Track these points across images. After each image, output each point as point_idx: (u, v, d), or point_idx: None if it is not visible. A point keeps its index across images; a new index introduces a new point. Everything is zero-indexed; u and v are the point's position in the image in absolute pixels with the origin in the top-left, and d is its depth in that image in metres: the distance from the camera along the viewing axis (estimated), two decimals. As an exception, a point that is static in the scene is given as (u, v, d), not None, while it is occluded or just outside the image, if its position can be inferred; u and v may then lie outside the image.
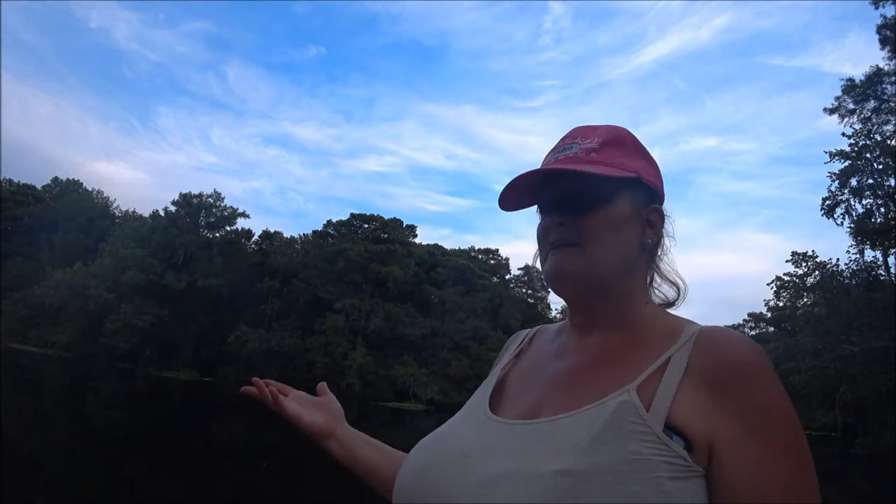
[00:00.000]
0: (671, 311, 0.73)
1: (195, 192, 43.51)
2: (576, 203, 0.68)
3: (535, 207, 0.76)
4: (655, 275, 0.74)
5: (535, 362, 0.75)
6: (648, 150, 0.74)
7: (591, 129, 0.73)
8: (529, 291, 52.17)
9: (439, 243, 54.10)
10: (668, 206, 0.74)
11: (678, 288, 0.74)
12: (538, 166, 0.73)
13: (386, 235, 45.60)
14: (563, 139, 0.73)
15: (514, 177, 0.69)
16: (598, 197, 0.67)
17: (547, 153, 0.74)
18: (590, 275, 0.67)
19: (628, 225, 0.68)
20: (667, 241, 0.74)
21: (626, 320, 0.68)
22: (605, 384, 0.60)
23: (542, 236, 0.71)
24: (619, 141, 0.71)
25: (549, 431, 0.58)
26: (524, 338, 0.84)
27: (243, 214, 45.04)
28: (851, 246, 24.73)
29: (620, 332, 0.68)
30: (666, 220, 0.73)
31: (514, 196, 0.73)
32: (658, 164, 0.75)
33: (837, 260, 27.67)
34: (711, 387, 0.56)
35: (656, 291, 0.74)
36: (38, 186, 54.53)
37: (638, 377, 0.59)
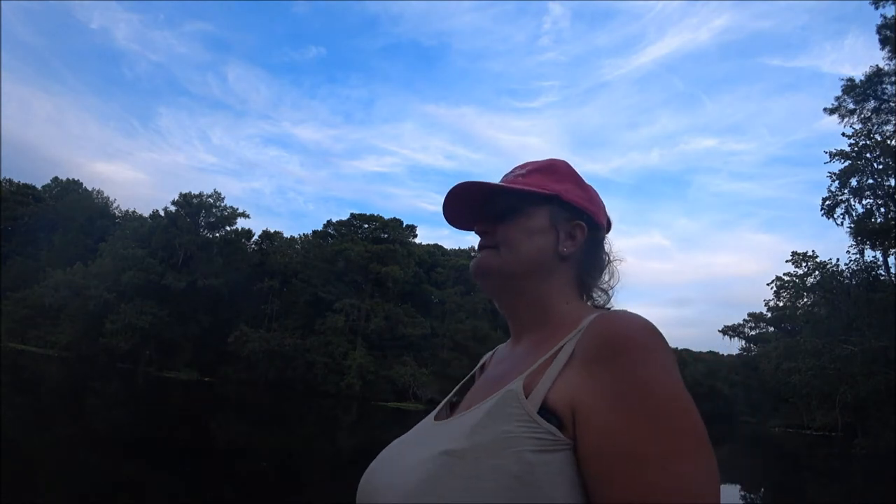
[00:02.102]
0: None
1: (195, 192, 43.55)
2: (497, 216, 0.80)
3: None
4: (592, 283, 0.82)
5: (484, 374, 0.85)
6: (587, 181, 0.85)
7: (532, 162, 0.85)
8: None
9: (439, 243, 54.18)
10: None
11: (607, 294, 0.83)
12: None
13: (386, 235, 45.59)
14: (512, 169, 0.86)
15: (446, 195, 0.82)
16: (515, 209, 0.79)
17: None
18: (503, 272, 0.78)
19: (543, 234, 0.78)
20: (611, 255, 0.84)
21: (545, 320, 0.76)
22: (510, 380, 0.67)
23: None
24: (550, 168, 0.82)
25: (454, 424, 0.66)
26: (488, 356, 0.93)
27: (243, 214, 45.07)
28: (851, 246, 24.76)
29: (539, 332, 0.75)
30: (606, 243, 0.84)
31: (462, 216, 0.86)
32: (597, 193, 0.86)
33: (837, 260, 27.71)
34: (585, 362, 0.61)
35: (594, 298, 0.83)
36: (38, 186, 54.62)
37: (530, 367, 0.66)
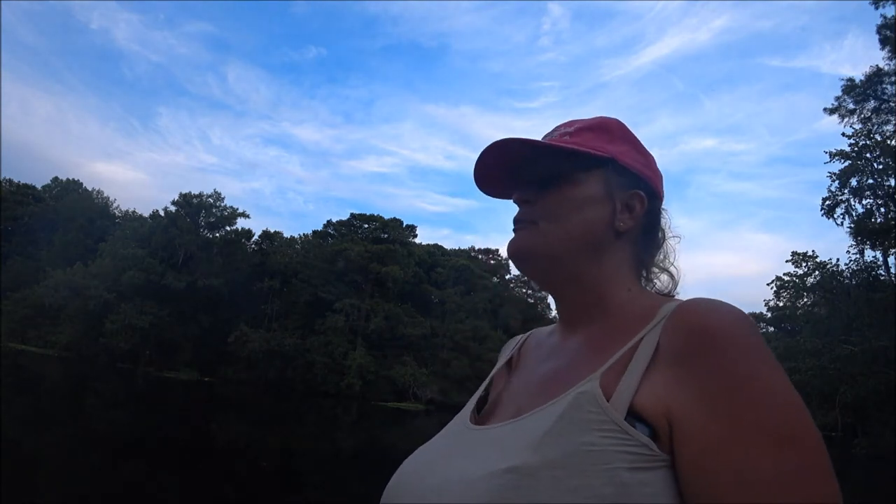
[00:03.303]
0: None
1: (195, 192, 43.59)
2: (540, 181, 0.66)
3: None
4: (649, 264, 0.70)
5: (525, 368, 0.72)
6: (645, 145, 0.72)
7: (579, 120, 0.71)
8: (529, 291, 52.15)
9: (439, 243, 54.24)
10: (668, 206, 0.73)
11: (672, 276, 0.70)
12: None
13: (386, 235, 45.60)
14: (554, 128, 0.73)
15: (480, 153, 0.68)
16: (563, 174, 0.65)
17: None
18: (545, 253, 0.65)
19: (596, 206, 0.64)
20: (667, 232, 0.71)
21: (607, 309, 0.64)
22: (576, 378, 0.56)
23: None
24: (602, 127, 0.69)
25: (508, 432, 0.55)
26: (515, 345, 0.81)
27: (243, 214, 45.09)
28: (851, 246, 24.74)
29: (598, 322, 0.64)
30: (663, 215, 0.71)
31: (492, 181, 0.72)
32: (655, 159, 0.73)
33: (837, 260, 27.67)
34: (676, 362, 0.50)
35: (654, 281, 0.70)
36: (38, 186, 54.60)
37: (603, 364, 0.55)
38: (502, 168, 0.70)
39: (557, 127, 0.72)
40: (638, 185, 0.67)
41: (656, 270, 0.70)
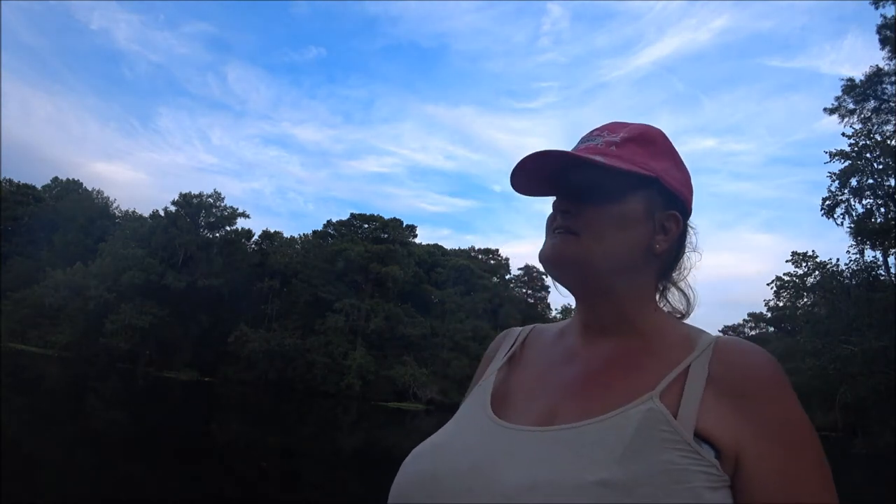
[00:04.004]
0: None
1: (195, 192, 43.56)
2: (584, 193, 0.66)
3: (543, 198, 0.74)
4: (669, 284, 0.72)
5: (540, 366, 0.72)
6: (682, 158, 0.72)
7: (622, 125, 0.70)
8: (529, 291, 52.18)
9: (439, 243, 54.14)
10: (693, 220, 0.73)
11: (688, 299, 0.73)
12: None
13: (386, 235, 45.59)
14: (593, 130, 0.72)
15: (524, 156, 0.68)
16: (608, 190, 0.65)
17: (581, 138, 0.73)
18: (584, 265, 0.65)
19: (637, 226, 0.65)
20: (691, 255, 0.73)
21: (636, 326, 0.66)
22: (622, 391, 0.59)
23: (549, 223, 0.70)
24: (647, 139, 0.68)
25: (573, 439, 0.55)
26: (516, 338, 0.80)
27: (243, 214, 45.08)
28: (851, 246, 24.74)
29: (631, 338, 0.66)
30: (690, 233, 0.72)
31: (526, 180, 0.71)
32: (691, 174, 0.73)
33: (837, 260, 27.64)
34: (735, 396, 0.56)
35: (667, 300, 0.73)
36: (38, 186, 54.59)
37: (658, 385, 0.58)
38: (540, 171, 0.69)
39: (601, 130, 0.70)
40: (676, 204, 0.68)
41: (672, 287, 0.73)
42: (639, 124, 0.71)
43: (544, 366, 0.71)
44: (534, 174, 0.70)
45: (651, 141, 0.69)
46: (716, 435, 0.54)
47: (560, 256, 0.66)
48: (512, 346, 0.79)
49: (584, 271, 0.65)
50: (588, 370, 0.65)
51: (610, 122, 0.72)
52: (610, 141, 0.67)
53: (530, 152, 0.66)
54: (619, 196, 0.65)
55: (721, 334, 0.64)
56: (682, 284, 0.73)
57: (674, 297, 0.73)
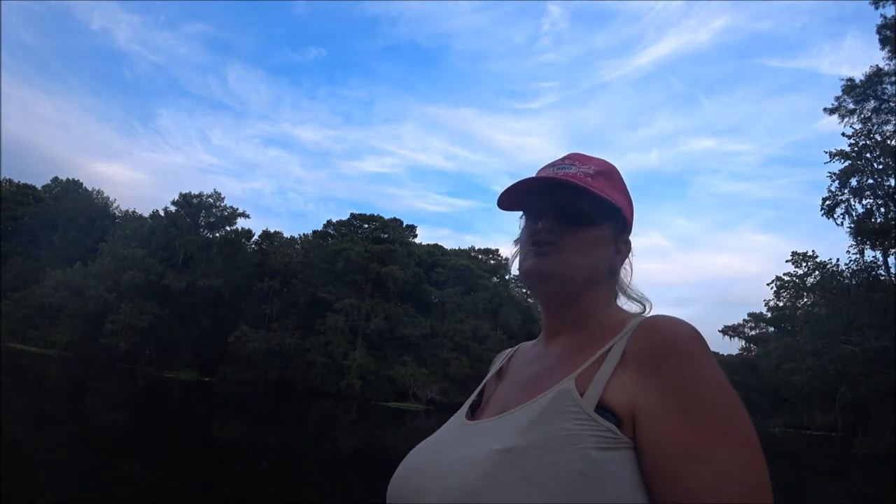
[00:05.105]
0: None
1: (195, 192, 43.60)
2: (571, 215, 0.77)
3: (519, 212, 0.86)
4: (620, 293, 0.83)
5: (512, 374, 0.85)
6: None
7: (587, 157, 0.82)
8: (529, 291, 52.10)
9: (439, 243, 54.21)
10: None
11: (643, 305, 0.83)
12: (536, 170, 0.82)
13: (386, 235, 45.62)
14: (562, 159, 0.82)
15: (516, 180, 0.78)
16: (589, 215, 0.77)
17: (544, 166, 0.83)
18: (564, 278, 0.76)
19: (605, 247, 0.78)
20: (628, 268, 0.85)
21: (586, 324, 0.76)
22: (556, 378, 0.68)
23: (527, 238, 0.80)
24: (610, 174, 0.80)
25: (502, 422, 0.67)
26: (505, 356, 0.93)
27: (243, 214, 45.10)
28: (851, 246, 24.75)
29: (580, 333, 0.76)
30: (630, 252, 0.84)
31: (511, 197, 0.82)
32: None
33: (837, 260, 27.69)
34: (639, 365, 0.63)
35: (624, 307, 0.83)
36: (38, 186, 54.60)
37: (579, 367, 0.68)
38: (522, 190, 0.80)
39: (572, 158, 0.81)
40: (626, 230, 0.82)
41: (624, 299, 0.84)
42: (600, 159, 0.82)
43: (516, 372, 0.83)
44: (518, 192, 0.81)
45: (611, 176, 0.81)
46: (615, 402, 0.61)
47: (547, 271, 0.76)
48: (501, 363, 0.92)
49: (563, 284, 0.76)
50: (540, 367, 0.76)
51: (572, 152, 0.84)
52: (586, 172, 0.78)
53: (523, 176, 0.78)
54: (597, 221, 0.77)
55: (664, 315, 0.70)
56: (636, 295, 0.84)
57: (627, 304, 0.84)
